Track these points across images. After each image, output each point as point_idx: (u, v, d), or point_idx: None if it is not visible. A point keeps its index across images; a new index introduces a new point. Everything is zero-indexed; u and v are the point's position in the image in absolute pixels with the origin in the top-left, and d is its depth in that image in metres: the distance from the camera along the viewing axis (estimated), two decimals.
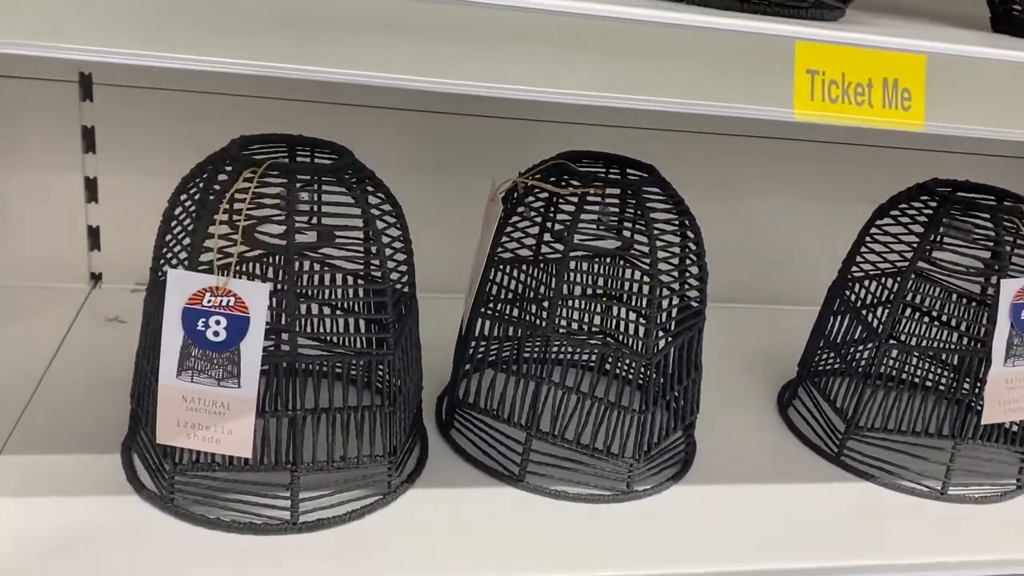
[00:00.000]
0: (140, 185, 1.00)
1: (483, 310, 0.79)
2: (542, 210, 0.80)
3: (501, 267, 0.80)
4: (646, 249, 0.74)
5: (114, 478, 0.71)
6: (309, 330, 0.77)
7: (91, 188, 1.00)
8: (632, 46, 0.55)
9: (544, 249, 0.82)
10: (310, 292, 0.78)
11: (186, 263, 0.65)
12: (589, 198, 0.73)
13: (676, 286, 0.76)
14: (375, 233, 0.67)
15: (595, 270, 0.86)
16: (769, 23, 0.55)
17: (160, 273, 0.69)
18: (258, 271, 0.76)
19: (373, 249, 0.68)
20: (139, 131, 0.98)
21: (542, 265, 0.83)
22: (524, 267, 0.83)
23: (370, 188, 0.69)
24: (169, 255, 0.68)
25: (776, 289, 1.22)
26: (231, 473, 0.68)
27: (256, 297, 0.63)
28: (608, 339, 0.89)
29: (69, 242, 1.01)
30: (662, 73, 0.55)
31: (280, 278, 0.74)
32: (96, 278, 1.04)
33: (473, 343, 0.79)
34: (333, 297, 0.78)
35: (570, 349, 0.80)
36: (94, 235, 1.02)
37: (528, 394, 0.75)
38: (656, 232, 0.73)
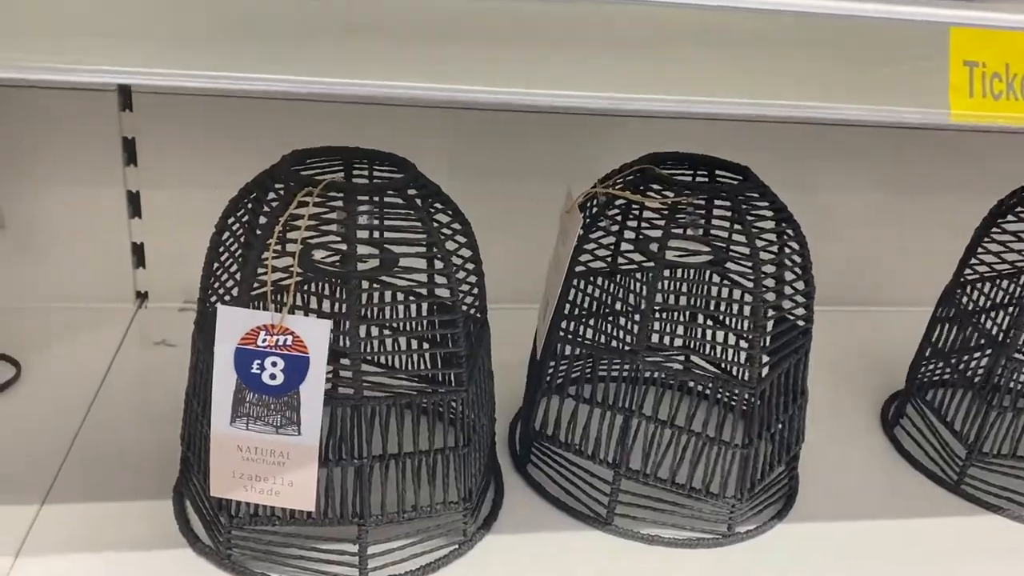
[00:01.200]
0: (184, 198, 0.94)
1: (561, 333, 0.71)
2: (619, 218, 0.72)
3: (576, 281, 0.72)
4: (745, 262, 0.65)
5: (166, 529, 0.65)
6: (373, 364, 0.71)
7: (134, 203, 0.94)
8: (747, 40, 0.46)
9: (621, 260, 0.73)
10: (373, 325, 0.70)
11: (237, 297, 0.58)
12: (680, 208, 0.65)
13: (780, 303, 0.68)
14: (444, 256, 0.60)
15: (674, 286, 0.77)
16: (915, 6, 0.46)
17: (208, 305, 0.63)
18: (313, 303, 0.69)
19: (442, 274, 0.60)
20: (182, 141, 0.92)
21: (617, 278, 0.75)
22: (600, 281, 0.75)
23: (437, 205, 0.62)
24: (218, 286, 0.62)
25: (863, 291, 1.12)
26: (293, 527, 0.61)
27: (316, 335, 0.56)
28: (691, 358, 0.81)
29: (112, 260, 0.95)
30: (781, 73, 0.47)
31: (340, 310, 0.67)
32: (142, 297, 0.98)
33: (551, 368, 0.72)
34: (400, 328, 0.71)
35: (662, 375, 0.72)
36: (138, 252, 0.96)
37: (616, 427, 0.67)
38: (760, 244, 0.64)
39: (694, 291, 0.78)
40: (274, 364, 0.56)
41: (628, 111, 0.47)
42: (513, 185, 0.99)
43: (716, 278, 0.77)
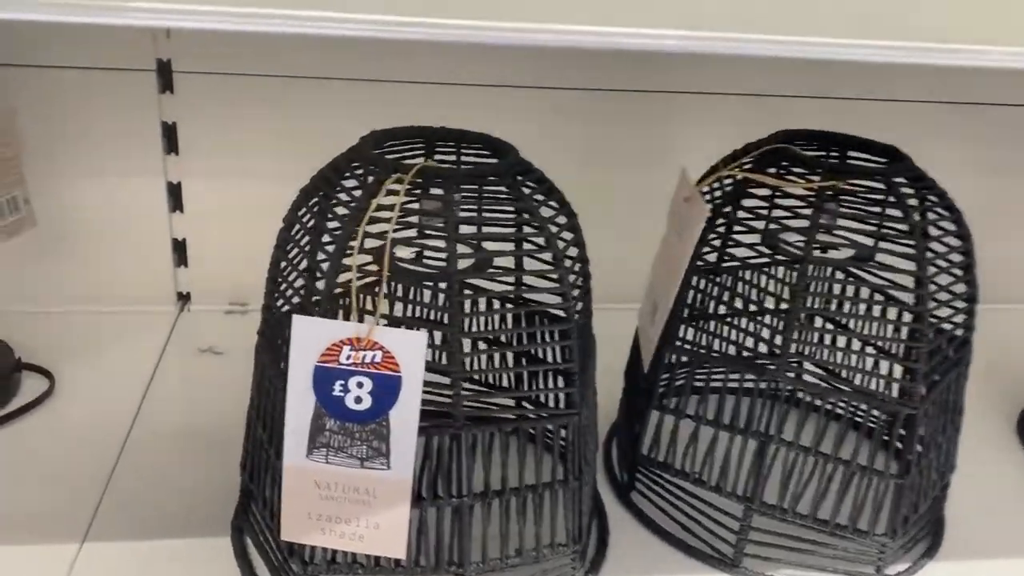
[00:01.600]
0: (231, 189, 0.85)
1: (678, 342, 0.61)
2: (754, 207, 0.61)
3: (696, 280, 0.63)
4: (903, 260, 0.55)
5: (225, 573, 0.56)
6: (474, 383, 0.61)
7: (175, 195, 0.85)
8: None
9: (747, 253, 0.63)
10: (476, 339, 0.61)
11: (312, 305, 0.49)
12: (831, 194, 0.55)
13: (940, 309, 0.57)
14: (556, 256, 0.50)
15: (816, 286, 0.67)
16: None
17: (275, 311, 0.54)
18: (399, 309, 0.60)
19: (553, 278, 0.50)
20: (227, 126, 0.83)
21: (746, 275, 0.65)
22: (723, 278, 0.65)
23: (539, 196, 0.52)
24: (288, 291, 0.52)
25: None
26: None
27: (411, 350, 0.46)
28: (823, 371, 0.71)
29: (153, 259, 0.86)
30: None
31: (439, 318, 0.57)
32: (184, 299, 0.89)
33: (665, 381, 0.62)
34: (507, 342, 0.61)
35: (803, 393, 0.61)
36: (180, 249, 0.87)
37: (748, 454, 0.57)
38: (917, 243, 0.54)
39: (830, 292, 0.68)
40: (360, 385, 0.47)
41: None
42: (598, 171, 0.89)
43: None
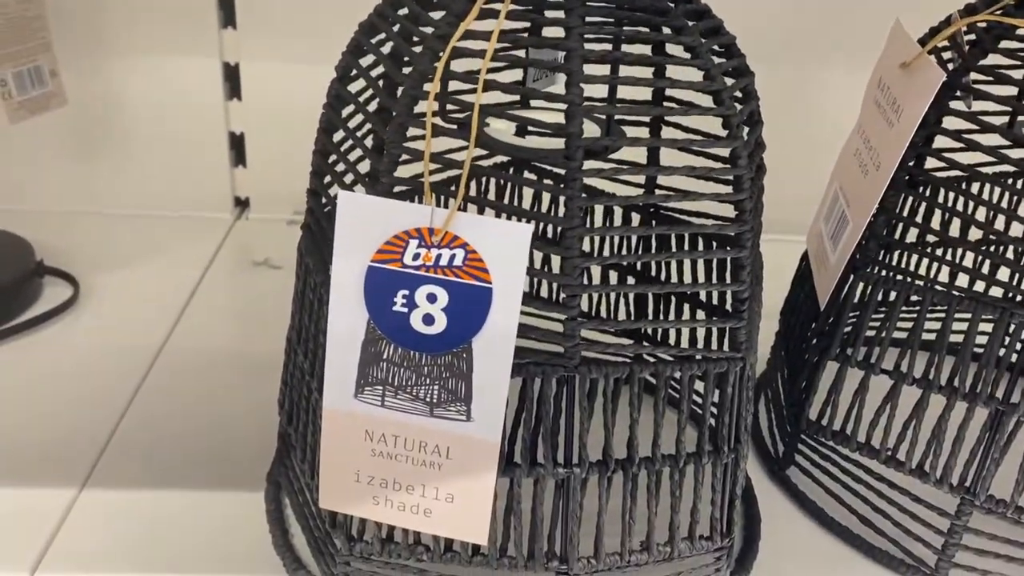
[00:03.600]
0: (296, 73, 0.70)
1: (870, 268, 0.44)
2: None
3: (910, 190, 0.45)
4: None
5: (254, 539, 0.43)
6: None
7: (232, 79, 0.71)
8: None
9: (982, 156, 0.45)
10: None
11: (371, 183, 0.34)
12: None
13: None
14: (734, 132, 0.34)
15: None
16: None
17: (324, 198, 0.39)
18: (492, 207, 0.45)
19: (725, 177, 0.34)
20: None
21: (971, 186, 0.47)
22: (941, 191, 0.47)
23: (716, 47, 0.36)
24: (340, 166, 0.38)
25: None
26: (446, 566, 0.37)
27: (508, 248, 0.31)
28: None
29: (206, 155, 0.74)
30: None
31: (540, 210, 0.42)
32: (242, 205, 0.77)
33: (852, 321, 0.45)
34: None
35: None
36: (237, 145, 0.74)
37: (972, 428, 0.41)
38: None
39: None
40: (432, 299, 0.32)
41: None
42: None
43: None
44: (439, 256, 0.32)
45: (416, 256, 0.32)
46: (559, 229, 0.33)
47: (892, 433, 0.43)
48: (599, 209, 0.51)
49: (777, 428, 0.51)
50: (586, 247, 0.47)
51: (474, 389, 0.33)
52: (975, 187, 0.54)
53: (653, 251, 0.48)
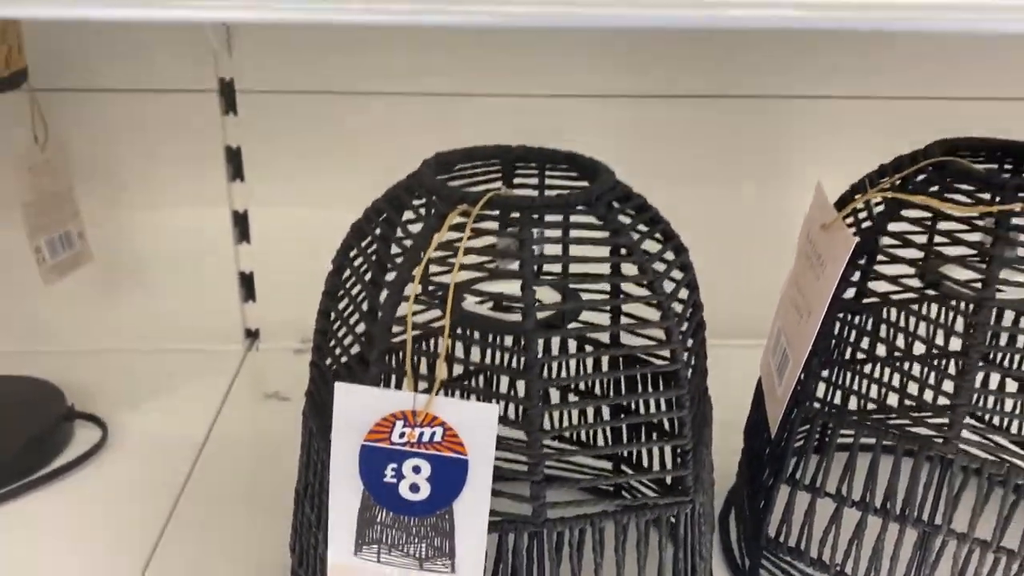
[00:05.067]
0: (300, 218, 0.78)
1: (816, 404, 0.50)
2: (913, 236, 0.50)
3: (837, 326, 0.51)
4: None
5: None
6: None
7: (241, 225, 0.79)
8: None
9: (891, 288, 0.51)
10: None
11: (361, 366, 0.40)
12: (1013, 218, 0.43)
13: None
14: (664, 304, 0.40)
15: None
16: None
17: (323, 371, 0.45)
18: (475, 355, 0.51)
19: (662, 329, 0.40)
20: (294, 149, 0.76)
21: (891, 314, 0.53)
22: (865, 319, 0.53)
23: (642, 227, 0.42)
24: (336, 348, 0.44)
25: None
26: None
27: (478, 425, 0.37)
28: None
29: (219, 294, 0.80)
30: None
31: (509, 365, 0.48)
32: (252, 336, 0.83)
33: (798, 447, 0.51)
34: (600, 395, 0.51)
35: (972, 465, 0.48)
36: (247, 283, 0.81)
37: (905, 545, 0.46)
38: None
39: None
40: (417, 470, 0.38)
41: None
42: (709, 187, 0.78)
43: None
44: (421, 434, 0.38)
45: (402, 435, 0.38)
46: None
47: (839, 550, 0.48)
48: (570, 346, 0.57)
49: (743, 542, 0.56)
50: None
51: (457, 546, 0.38)
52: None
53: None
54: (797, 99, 0.76)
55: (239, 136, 0.75)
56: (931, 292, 0.48)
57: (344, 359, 0.43)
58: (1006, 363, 0.63)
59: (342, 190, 0.75)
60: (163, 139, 0.74)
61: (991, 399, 0.60)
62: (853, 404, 0.59)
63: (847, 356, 0.55)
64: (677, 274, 0.43)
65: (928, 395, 0.47)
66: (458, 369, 0.56)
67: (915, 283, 0.50)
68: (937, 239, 0.49)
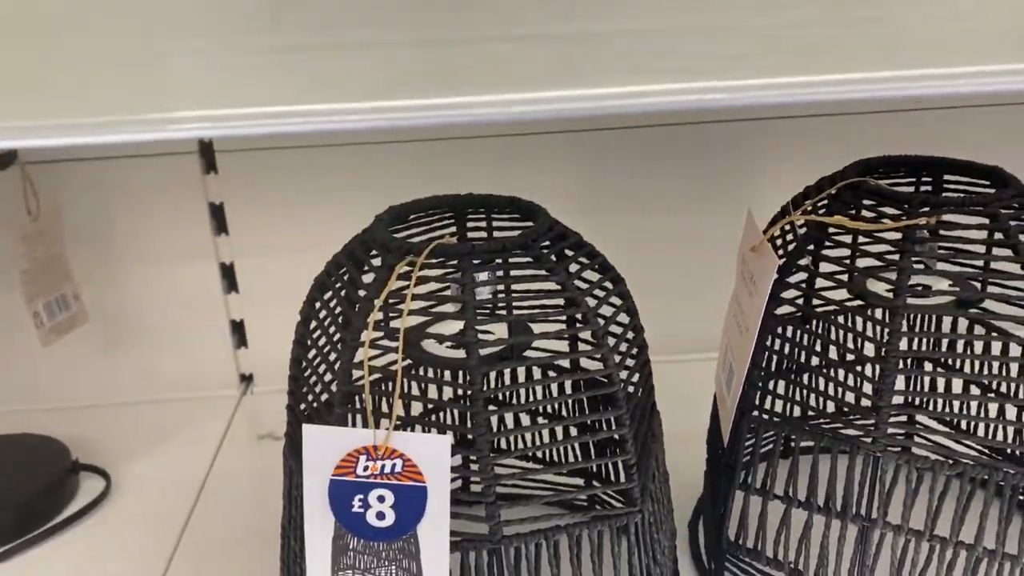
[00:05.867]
0: (284, 264, 0.82)
1: (756, 412, 0.53)
2: (825, 252, 0.54)
3: (769, 339, 0.55)
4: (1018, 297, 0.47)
5: None
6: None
7: (229, 276, 0.83)
8: None
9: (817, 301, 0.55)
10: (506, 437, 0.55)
11: (327, 407, 0.44)
12: (918, 232, 0.47)
13: None
14: (597, 332, 0.44)
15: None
16: None
17: (297, 414, 0.49)
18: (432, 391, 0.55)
19: (598, 355, 0.44)
20: (275, 201, 0.80)
21: (819, 325, 0.57)
22: (795, 332, 0.57)
23: (582, 260, 0.46)
24: (307, 392, 0.48)
25: None
26: None
27: (433, 455, 0.41)
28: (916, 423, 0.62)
29: (212, 343, 0.84)
30: None
31: (460, 422, 0.52)
32: (247, 380, 0.87)
33: (748, 453, 0.54)
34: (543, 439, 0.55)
35: (900, 461, 0.52)
36: (239, 330, 0.85)
37: (847, 540, 0.49)
38: None
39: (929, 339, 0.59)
40: (381, 499, 0.42)
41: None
42: (657, 216, 0.82)
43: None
44: (383, 466, 0.42)
45: (366, 468, 0.42)
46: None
47: (791, 549, 0.52)
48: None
49: (708, 546, 0.59)
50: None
51: (423, 566, 0.42)
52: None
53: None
54: (749, 121, 0.80)
55: (221, 193, 0.79)
56: (856, 303, 0.52)
57: (315, 403, 0.47)
58: (946, 361, 0.66)
59: (322, 237, 0.79)
60: (149, 200, 0.79)
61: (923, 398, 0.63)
62: (798, 411, 0.62)
63: (784, 367, 0.58)
64: (616, 300, 0.47)
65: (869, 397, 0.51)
66: (421, 406, 0.60)
67: (843, 294, 0.53)
68: (859, 252, 0.52)
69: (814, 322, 0.55)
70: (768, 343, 0.55)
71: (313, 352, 0.47)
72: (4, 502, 0.66)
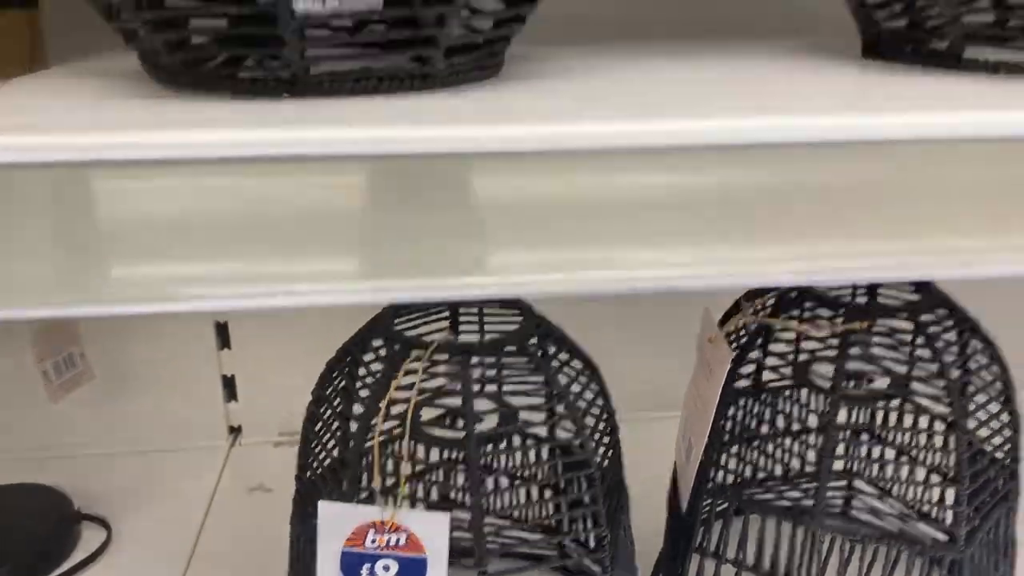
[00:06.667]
0: (274, 326, 0.87)
1: (709, 484, 0.60)
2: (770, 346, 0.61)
3: (720, 417, 0.62)
4: (935, 389, 0.54)
5: None
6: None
7: (222, 333, 0.88)
8: None
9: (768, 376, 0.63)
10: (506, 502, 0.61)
11: (339, 485, 0.50)
12: (853, 338, 0.54)
13: (978, 436, 0.56)
14: (577, 419, 0.50)
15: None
16: None
17: (304, 481, 0.55)
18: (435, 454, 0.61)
19: (577, 441, 0.51)
20: None
21: (764, 397, 0.64)
22: (748, 403, 0.64)
23: (562, 356, 0.53)
24: (316, 466, 0.54)
25: None
26: None
27: (433, 531, 0.47)
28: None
29: (204, 396, 0.89)
30: None
31: (459, 493, 0.58)
32: (235, 431, 0.92)
33: (705, 514, 0.61)
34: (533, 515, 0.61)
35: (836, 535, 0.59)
36: (229, 385, 0.90)
37: None
38: (955, 372, 0.53)
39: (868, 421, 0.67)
40: (387, 568, 0.48)
41: None
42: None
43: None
44: (389, 539, 0.47)
45: (373, 541, 0.48)
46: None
47: None
48: None
49: None
50: None
51: None
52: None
53: None
54: None
55: None
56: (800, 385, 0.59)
57: (321, 472, 0.53)
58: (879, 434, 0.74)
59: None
60: None
61: (873, 468, 0.71)
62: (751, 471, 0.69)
63: (738, 433, 0.65)
64: (594, 387, 0.54)
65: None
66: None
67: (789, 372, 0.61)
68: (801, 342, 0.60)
69: (763, 395, 0.62)
70: (726, 412, 0.62)
71: (322, 429, 0.53)
72: (10, 550, 0.70)
